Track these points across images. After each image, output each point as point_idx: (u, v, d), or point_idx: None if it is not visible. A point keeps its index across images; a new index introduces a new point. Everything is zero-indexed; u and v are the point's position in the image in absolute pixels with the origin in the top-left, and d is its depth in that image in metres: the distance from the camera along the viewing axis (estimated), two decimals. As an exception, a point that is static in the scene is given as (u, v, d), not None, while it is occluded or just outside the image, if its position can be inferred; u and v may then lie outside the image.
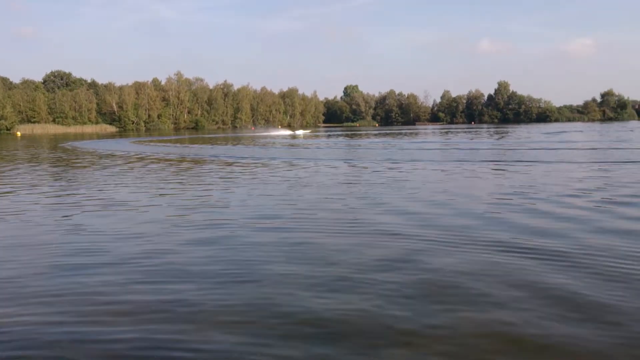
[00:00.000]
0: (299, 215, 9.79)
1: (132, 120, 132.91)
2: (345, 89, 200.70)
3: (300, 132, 74.80)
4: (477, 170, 18.57)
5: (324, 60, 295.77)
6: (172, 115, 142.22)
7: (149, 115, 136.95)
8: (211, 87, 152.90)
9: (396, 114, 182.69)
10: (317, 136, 66.95)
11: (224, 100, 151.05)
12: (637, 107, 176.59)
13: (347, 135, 67.52)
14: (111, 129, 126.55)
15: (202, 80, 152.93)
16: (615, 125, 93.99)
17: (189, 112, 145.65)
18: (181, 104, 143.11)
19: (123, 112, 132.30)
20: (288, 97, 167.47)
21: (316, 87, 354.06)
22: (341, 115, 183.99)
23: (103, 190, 13.90)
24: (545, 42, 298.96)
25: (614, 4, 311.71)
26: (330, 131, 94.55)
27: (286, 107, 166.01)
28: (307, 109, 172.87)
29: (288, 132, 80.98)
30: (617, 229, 8.03)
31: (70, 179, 17.20)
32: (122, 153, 32.47)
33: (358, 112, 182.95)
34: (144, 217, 9.84)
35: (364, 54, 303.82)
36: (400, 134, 70.41)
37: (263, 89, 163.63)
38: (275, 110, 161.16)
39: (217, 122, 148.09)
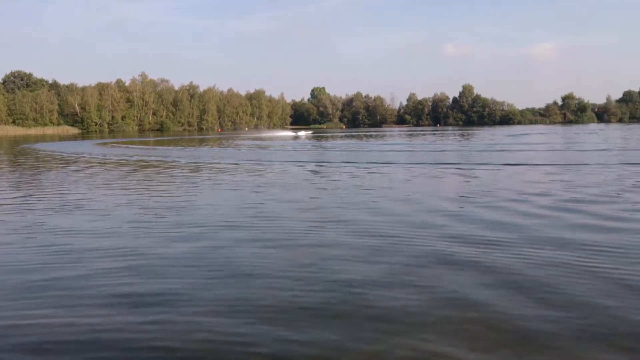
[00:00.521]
0: (247, 222, 9.45)
1: (95, 122, 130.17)
2: (313, 90, 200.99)
3: (302, 133, 76.69)
4: (436, 173, 18.62)
5: (291, 62, 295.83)
6: (137, 116, 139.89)
7: (113, 117, 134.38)
8: (177, 88, 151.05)
9: (363, 116, 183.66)
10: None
11: (190, 101, 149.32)
12: (596, 110, 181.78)
13: (314, 137, 67.40)
14: (73, 130, 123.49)
15: (167, 81, 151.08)
16: (575, 128, 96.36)
17: (153, 114, 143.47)
18: (146, 106, 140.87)
19: (86, 114, 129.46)
20: (255, 98, 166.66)
21: (283, 89, 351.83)
22: (308, 117, 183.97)
23: (54, 195, 13.39)
24: (509, 46, 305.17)
25: (574, 9, 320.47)
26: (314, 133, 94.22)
27: (253, 109, 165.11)
28: (274, 110, 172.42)
29: (290, 133, 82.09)
30: (560, 237, 7.90)
31: (20, 183, 16.55)
32: (76, 156, 31.60)
33: (325, 114, 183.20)
34: (79, 228, 9.45)
35: (331, 56, 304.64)
36: (367, 136, 70.71)
37: (229, 90, 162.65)
38: (242, 112, 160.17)
39: (182, 124, 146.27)
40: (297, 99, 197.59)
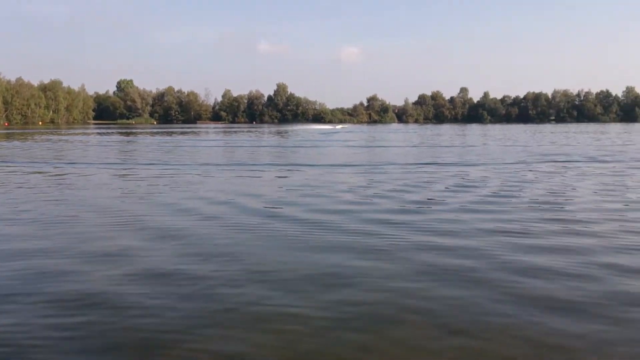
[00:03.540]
0: None
1: None
2: (119, 83, 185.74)
3: (339, 126, 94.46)
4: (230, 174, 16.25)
5: (93, 51, 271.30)
6: None
7: None
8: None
9: (176, 111, 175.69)
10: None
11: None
12: (396, 111, 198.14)
13: (120, 133, 61.28)
14: None
15: None
16: (378, 127, 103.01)
17: None
18: None
19: None
20: (50, 89, 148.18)
21: (84, 80, 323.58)
22: (115, 111, 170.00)
23: None
24: (319, 48, 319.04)
25: (376, 16, 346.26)
26: (101, 129, 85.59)
27: (48, 102, 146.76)
28: (74, 103, 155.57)
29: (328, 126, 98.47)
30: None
31: None
32: None
33: (134, 109, 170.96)
34: None
35: (139, 46, 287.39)
36: (177, 132, 66.51)
37: (19, 79, 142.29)
38: (35, 104, 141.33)
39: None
40: (102, 92, 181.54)
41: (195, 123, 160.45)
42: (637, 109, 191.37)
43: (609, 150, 28.00)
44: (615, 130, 71.99)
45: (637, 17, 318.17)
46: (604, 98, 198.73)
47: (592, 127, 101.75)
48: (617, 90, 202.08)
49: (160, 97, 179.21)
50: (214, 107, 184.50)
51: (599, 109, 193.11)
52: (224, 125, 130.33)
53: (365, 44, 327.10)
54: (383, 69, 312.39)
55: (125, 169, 18.74)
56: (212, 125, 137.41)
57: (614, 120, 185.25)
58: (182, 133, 63.78)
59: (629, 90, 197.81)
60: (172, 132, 66.37)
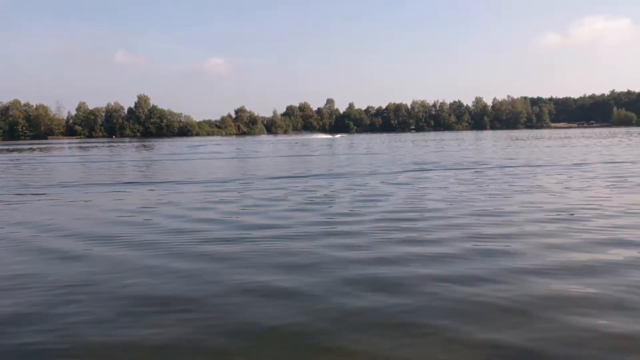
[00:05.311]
0: None
1: None
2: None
3: (338, 135, 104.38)
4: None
5: None
6: None
7: None
8: None
9: (23, 127, 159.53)
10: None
11: None
12: (265, 122, 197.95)
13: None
14: None
15: None
16: (248, 139, 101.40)
17: None
18: None
19: None
20: None
21: None
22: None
23: None
24: (181, 59, 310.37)
25: (240, 28, 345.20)
26: None
27: None
28: None
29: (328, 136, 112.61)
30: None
31: None
32: None
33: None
34: None
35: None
36: (24, 149, 59.37)
37: None
38: None
39: None
40: None
41: (46, 139, 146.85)
42: (485, 117, 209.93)
43: (465, 158, 28.67)
44: (467, 137, 76.99)
45: (485, 36, 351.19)
46: (457, 108, 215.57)
47: (447, 135, 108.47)
48: (468, 101, 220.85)
49: (4, 111, 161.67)
50: (67, 121, 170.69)
51: (453, 118, 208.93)
52: (79, 140, 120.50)
53: (231, 56, 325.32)
54: (250, 80, 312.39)
55: None
56: (66, 140, 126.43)
57: (466, 128, 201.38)
58: (30, 150, 57.14)
59: (478, 101, 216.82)
60: (16, 149, 59.27)
